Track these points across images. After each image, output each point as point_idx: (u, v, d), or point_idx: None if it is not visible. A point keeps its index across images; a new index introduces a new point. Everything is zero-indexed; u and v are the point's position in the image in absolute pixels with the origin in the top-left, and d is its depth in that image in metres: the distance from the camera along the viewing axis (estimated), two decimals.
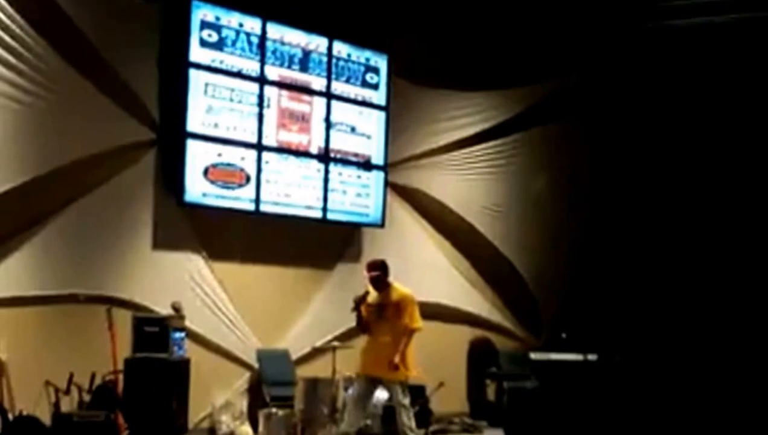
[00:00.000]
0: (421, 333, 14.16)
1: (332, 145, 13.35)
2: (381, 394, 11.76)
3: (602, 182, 16.27)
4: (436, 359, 13.65)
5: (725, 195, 15.75)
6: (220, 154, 12.13)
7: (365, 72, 13.79)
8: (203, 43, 11.95)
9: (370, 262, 10.48)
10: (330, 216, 13.34)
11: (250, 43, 12.42)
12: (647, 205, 16.20)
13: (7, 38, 10.21)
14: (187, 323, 11.60)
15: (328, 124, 13.30)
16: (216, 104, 12.08)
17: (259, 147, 12.53)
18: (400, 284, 10.37)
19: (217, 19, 12.05)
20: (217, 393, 12.18)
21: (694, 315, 15.09)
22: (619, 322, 14.85)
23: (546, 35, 15.30)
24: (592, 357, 14.49)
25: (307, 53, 13.09)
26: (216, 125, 12.08)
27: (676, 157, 16.04)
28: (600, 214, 16.34)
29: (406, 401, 10.15)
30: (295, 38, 12.96)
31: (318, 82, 13.23)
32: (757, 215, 15.64)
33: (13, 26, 10.22)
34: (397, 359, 9.99)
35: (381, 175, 13.95)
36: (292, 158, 12.94)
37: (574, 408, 12.23)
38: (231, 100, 12.25)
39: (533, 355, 15.24)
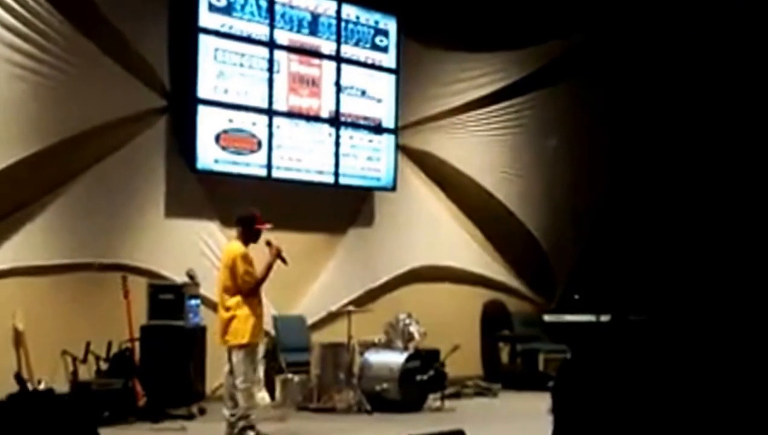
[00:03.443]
0: (434, 296, 14.33)
1: (343, 109, 13.29)
2: (396, 358, 11.80)
3: (616, 141, 16.18)
4: (449, 323, 13.69)
5: (744, 150, 15.62)
6: (231, 120, 12.09)
7: (374, 35, 13.71)
8: (212, 8, 11.88)
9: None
10: (342, 180, 13.31)
11: (259, 7, 12.34)
12: (663, 163, 16.10)
13: (20, 9, 10.19)
14: (202, 290, 11.58)
15: (339, 88, 13.24)
16: (226, 70, 12.02)
17: (270, 112, 12.48)
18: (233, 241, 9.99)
19: None
20: None
21: (709, 274, 15.01)
22: (633, 282, 14.80)
23: None
24: (605, 318, 14.49)
25: (316, 17, 13.01)
26: (226, 91, 12.03)
27: (691, 112, 15.92)
28: (615, 174, 16.27)
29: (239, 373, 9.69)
30: (304, 1, 12.88)
31: (327, 46, 13.15)
32: None
33: None
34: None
35: (392, 138, 13.90)
36: (303, 123, 12.90)
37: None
38: (241, 65, 12.19)
39: (546, 317, 15.27)
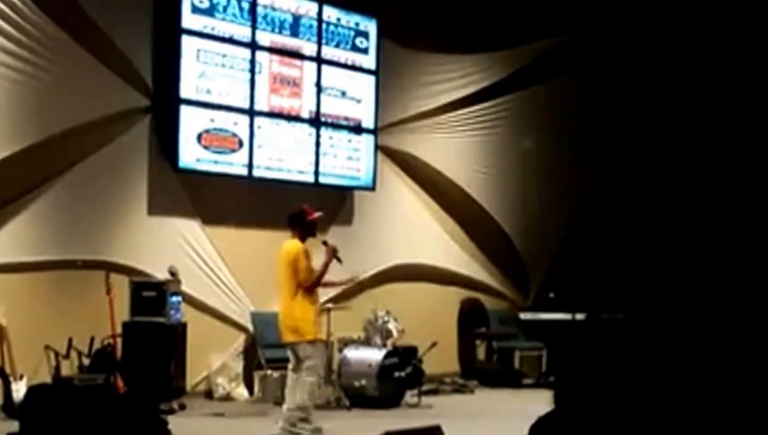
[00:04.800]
0: (412, 294, 14.51)
1: (323, 110, 13.46)
2: (374, 355, 11.98)
3: (593, 142, 16.38)
4: (426, 320, 13.87)
5: (723, 151, 15.77)
6: (212, 120, 12.24)
7: (355, 36, 13.89)
8: (195, 10, 12.02)
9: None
10: (322, 180, 13.48)
11: (241, 8, 12.49)
12: (639, 163, 16.29)
13: (4, 8, 10.30)
14: (183, 287, 11.74)
15: (319, 89, 13.41)
16: (208, 70, 12.17)
17: (252, 112, 12.64)
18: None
19: None
20: (213, 356, 12.35)
21: (684, 273, 15.17)
22: (608, 281, 14.99)
23: None
24: (580, 316, 14.69)
25: (297, 18, 13.18)
26: (209, 91, 12.18)
27: (668, 113, 16.09)
28: (591, 174, 16.46)
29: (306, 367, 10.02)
30: (286, 3, 13.04)
31: (308, 47, 13.32)
32: (756, 171, 15.65)
33: None
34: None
35: (371, 138, 14.08)
36: (283, 123, 13.06)
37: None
38: (223, 65, 12.34)
39: (522, 315, 15.47)
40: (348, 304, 13.17)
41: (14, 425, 5.66)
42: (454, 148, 15.28)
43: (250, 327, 12.79)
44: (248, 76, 12.58)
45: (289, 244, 10.03)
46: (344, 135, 13.77)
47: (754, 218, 15.25)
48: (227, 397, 12.14)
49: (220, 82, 12.29)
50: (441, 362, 13.75)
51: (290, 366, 10.06)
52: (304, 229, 10.05)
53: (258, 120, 12.71)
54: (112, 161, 11.50)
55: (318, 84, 13.38)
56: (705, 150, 15.85)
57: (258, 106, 12.71)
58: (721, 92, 15.79)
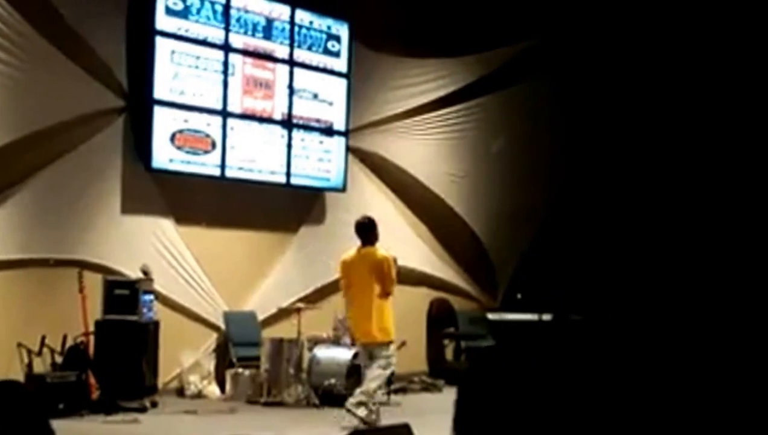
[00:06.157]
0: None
1: (295, 112, 13.61)
2: (343, 354, 12.14)
3: (561, 145, 16.59)
4: (396, 320, 13.98)
5: (692, 155, 15.95)
6: (186, 121, 12.37)
7: (327, 40, 14.04)
8: (169, 12, 12.14)
9: None
10: (293, 181, 13.63)
11: (214, 11, 12.62)
12: (607, 165, 16.49)
13: None
14: (156, 286, 11.85)
15: (291, 91, 13.56)
16: (182, 71, 12.30)
17: (225, 113, 12.78)
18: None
19: None
20: (185, 354, 12.46)
21: (652, 275, 15.37)
22: (575, 283, 15.18)
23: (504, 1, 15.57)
24: (546, 317, 14.89)
25: (270, 21, 13.32)
26: (182, 92, 12.31)
27: (635, 117, 16.29)
28: (559, 176, 16.66)
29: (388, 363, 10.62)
30: (259, 6, 13.18)
31: (281, 50, 13.47)
32: (725, 176, 15.86)
33: None
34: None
35: (343, 140, 14.24)
36: (256, 124, 13.20)
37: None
38: (197, 67, 12.47)
39: (490, 316, 15.66)
40: (319, 304, 13.32)
41: None
42: (424, 151, 15.47)
43: (222, 326, 12.92)
44: (221, 77, 12.71)
45: (375, 251, 10.45)
46: (316, 137, 13.93)
47: (718, 223, 15.49)
48: (199, 395, 12.25)
49: (193, 83, 12.42)
50: (410, 361, 13.91)
51: (364, 363, 10.71)
52: (377, 237, 10.52)
53: (231, 121, 12.84)
54: (86, 161, 11.59)
55: (290, 86, 13.53)
56: (673, 152, 16.05)
57: (231, 108, 12.84)
58: (689, 93, 15.96)
